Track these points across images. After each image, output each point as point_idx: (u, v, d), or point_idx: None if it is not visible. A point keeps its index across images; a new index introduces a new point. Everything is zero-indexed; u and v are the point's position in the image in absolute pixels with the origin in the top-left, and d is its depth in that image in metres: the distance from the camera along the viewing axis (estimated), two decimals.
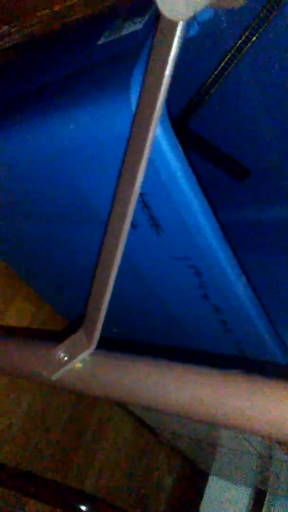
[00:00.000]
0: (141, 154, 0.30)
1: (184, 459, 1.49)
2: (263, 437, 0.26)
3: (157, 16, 0.26)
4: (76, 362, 0.36)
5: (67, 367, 0.36)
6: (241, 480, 1.49)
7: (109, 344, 0.42)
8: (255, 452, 1.28)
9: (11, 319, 0.95)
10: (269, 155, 1.11)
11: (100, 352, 0.37)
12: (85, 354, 0.36)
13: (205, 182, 1.17)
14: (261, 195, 1.20)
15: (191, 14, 0.25)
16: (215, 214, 0.60)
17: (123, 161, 0.36)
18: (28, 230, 0.76)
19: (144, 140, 0.30)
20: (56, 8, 0.46)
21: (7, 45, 0.53)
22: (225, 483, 1.51)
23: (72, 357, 0.36)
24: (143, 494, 1.35)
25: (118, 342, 0.86)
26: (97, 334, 0.36)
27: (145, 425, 1.31)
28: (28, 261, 0.87)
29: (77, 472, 1.14)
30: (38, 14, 0.47)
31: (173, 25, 0.26)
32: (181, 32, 0.26)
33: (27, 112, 0.62)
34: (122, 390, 0.33)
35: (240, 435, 1.21)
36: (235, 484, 1.50)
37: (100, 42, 0.65)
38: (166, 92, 0.28)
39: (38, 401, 1.03)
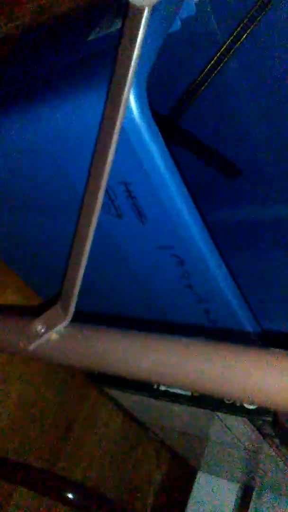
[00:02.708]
0: (109, 138, 0.32)
1: (173, 454, 1.50)
2: (218, 396, 0.27)
3: (125, 3, 0.28)
4: (52, 333, 0.38)
5: (44, 338, 0.38)
6: (229, 476, 1.51)
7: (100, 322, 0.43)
8: (243, 447, 1.30)
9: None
10: (260, 154, 1.13)
11: (75, 325, 0.39)
12: (61, 326, 0.38)
13: (196, 180, 1.19)
14: (253, 194, 1.22)
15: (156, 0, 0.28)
16: (197, 205, 0.62)
17: (95, 146, 0.38)
18: (16, 219, 0.78)
19: (112, 126, 0.32)
20: (43, 1, 0.48)
21: None
22: (213, 479, 1.53)
23: (48, 329, 0.38)
24: (131, 487, 1.36)
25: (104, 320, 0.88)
26: (72, 308, 0.38)
27: (134, 419, 1.32)
28: (16, 249, 0.89)
29: (66, 463, 1.16)
30: (26, 6, 0.49)
31: (139, 10, 0.28)
32: (147, 18, 0.28)
33: (15, 104, 0.64)
34: (94, 359, 0.35)
35: (228, 430, 1.22)
36: (223, 480, 1.51)
37: (89, 38, 0.67)
38: (133, 80, 0.30)
39: (28, 391, 1.04)
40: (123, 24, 0.30)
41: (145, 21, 0.28)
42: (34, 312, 0.42)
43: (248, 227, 1.27)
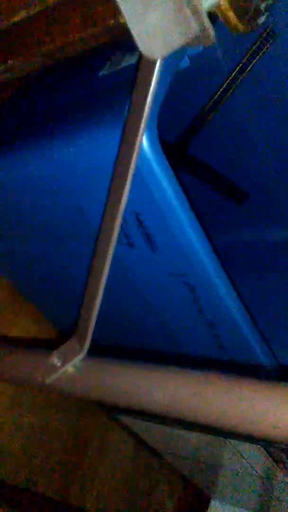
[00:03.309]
0: (125, 174, 0.33)
1: (185, 482, 1.48)
2: (234, 431, 0.28)
3: (139, 54, 0.30)
4: (69, 367, 0.39)
5: (60, 371, 0.39)
6: (243, 503, 1.47)
7: (114, 352, 0.44)
8: (256, 474, 1.27)
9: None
10: (266, 178, 1.14)
11: (91, 358, 0.39)
12: (77, 360, 0.39)
13: (204, 204, 1.21)
14: (259, 217, 1.23)
15: (167, 53, 0.29)
16: (207, 232, 0.63)
17: (110, 180, 0.40)
18: (30, 248, 0.80)
19: (127, 164, 0.33)
20: (58, 43, 0.51)
21: (12, 77, 0.58)
22: (227, 507, 1.49)
23: (65, 362, 0.39)
24: None
25: (117, 350, 0.89)
26: (88, 341, 0.39)
27: (146, 445, 1.31)
28: (30, 278, 0.90)
29: (77, 492, 1.14)
30: (41, 49, 0.52)
31: (152, 62, 0.30)
32: (159, 69, 0.30)
33: (31, 138, 0.66)
34: (109, 393, 0.36)
35: (241, 456, 1.20)
36: (237, 508, 1.48)
37: (101, 73, 0.70)
38: (146, 123, 0.32)
39: (39, 419, 1.04)
40: (136, 73, 0.32)
41: (157, 72, 0.30)
42: (50, 344, 0.43)
43: (257, 250, 1.27)
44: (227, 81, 0.97)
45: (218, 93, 0.99)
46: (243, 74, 0.95)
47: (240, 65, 0.94)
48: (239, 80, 0.97)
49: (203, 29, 0.28)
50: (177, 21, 0.28)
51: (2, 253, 0.88)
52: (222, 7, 0.37)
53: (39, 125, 0.68)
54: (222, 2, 0.35)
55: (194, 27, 0.28)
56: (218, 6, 0.35)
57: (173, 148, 1.08)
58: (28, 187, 0.67)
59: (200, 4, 0.28)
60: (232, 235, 1.26)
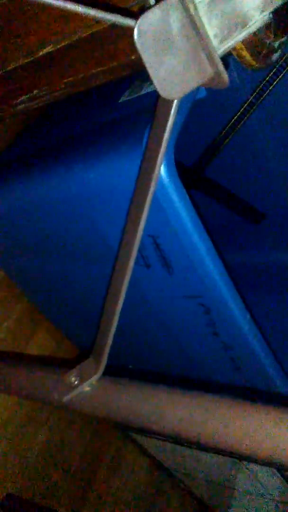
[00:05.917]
0: (143, 201, 0.35)
1: (198, 502, 1.46)
2: (246, 456, 0.28)
3: (157, 93, 0.32)
4: (85, 386, 0.40)
5: (77, 390, 0.40)
6: None
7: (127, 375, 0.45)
8: (272, 499, 1.25)
9: (33, 352, 1.00)
10: (283, 199, 1.15)
11: (107, 378, 0.41)
12: (93, 379, 0.40)
13: (220, 224, 1.22)
14: (275, 238, 1.23)
15: (184, 94, 0.31)
16: (221, 254, 0.64)
17: (129, 205, 0.42)
18: (49, 267, 0.82)
19: (146, 192, 0.35)
20: (80, 76, 0.54)
21: (37, 106, 0.61)
22: None
23: (81, 381, 0.40)
24: None
25: (132, 373, 0.90)
26: (104, 361, 0.41)
27: (160, 465, 1.31)
28: (48, 297, 0.92)
29: (90, 509, 1.14)
30: (64, 80, 0.55)
31: (169, 102, 0.32)
32: (175, 108, 0.32)
33: (53, 162, 0.69)
34: (124, 413, 0.37)
35: (255, 479, 1.19)
36: None
37: (121, 100, 0.73)
38: (164, 155, 0.34)
39: (54, 435, 1.05)
40: (155, 110, 0.34)
41: (174, 111, 0.32)
42: (66, 362, 0.44)
43: (272, 270, 1.27)
44: (244, 106, 0.99)
45: (235, 118, 1.01)
46: (260, 100, 0.97)
47: (257, 90, 0.96)
48: (256, 106, 0.99)
49: (217, 74, 0.30)
50: (193, 65, 0.30)
51: (22, 272, 0.91)
52: (237, 47, 0.39)
53: (60, 150, 0.71)
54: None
55: (209, 71, 0.31)
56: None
57: (190, 171, 1.10)
58: (49, 209, 0.70)
59: (215, 50, 0.30)
60: (247, 256, 1.27)
